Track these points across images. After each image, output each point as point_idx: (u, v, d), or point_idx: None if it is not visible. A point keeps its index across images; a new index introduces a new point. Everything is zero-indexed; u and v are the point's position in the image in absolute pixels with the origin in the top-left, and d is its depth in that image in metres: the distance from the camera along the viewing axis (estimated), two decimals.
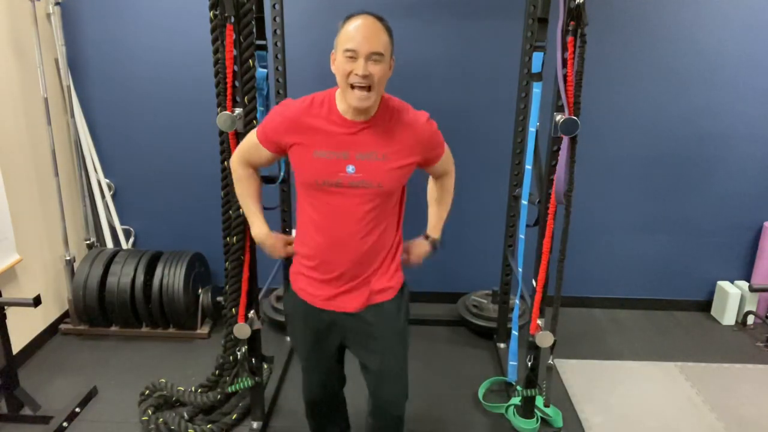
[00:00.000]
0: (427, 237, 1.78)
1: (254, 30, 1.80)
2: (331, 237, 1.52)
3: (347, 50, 1.37)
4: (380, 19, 1.40)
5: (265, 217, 1.72)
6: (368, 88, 1.38)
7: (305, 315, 1.65)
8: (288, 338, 2.94)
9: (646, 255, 3.26)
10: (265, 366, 2.25)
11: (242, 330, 1.98)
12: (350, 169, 1.46)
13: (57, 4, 2.80)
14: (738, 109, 2.97)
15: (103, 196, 3.13)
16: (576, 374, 2.68)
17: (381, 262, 1.58)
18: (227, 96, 1.78)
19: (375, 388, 1.72)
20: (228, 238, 1.95)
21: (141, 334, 2.94)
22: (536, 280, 2.00)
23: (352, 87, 1.38)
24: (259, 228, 1.71)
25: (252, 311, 2.02)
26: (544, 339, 1.95)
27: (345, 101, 1.43)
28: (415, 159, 1.54)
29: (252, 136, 1.60)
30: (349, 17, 1.40)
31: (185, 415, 2.26)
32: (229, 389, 2.15)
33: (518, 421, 2.26)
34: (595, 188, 3.12)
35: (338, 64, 1.41)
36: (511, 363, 2.42)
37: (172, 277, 2.84)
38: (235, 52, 1.74)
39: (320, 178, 1.47)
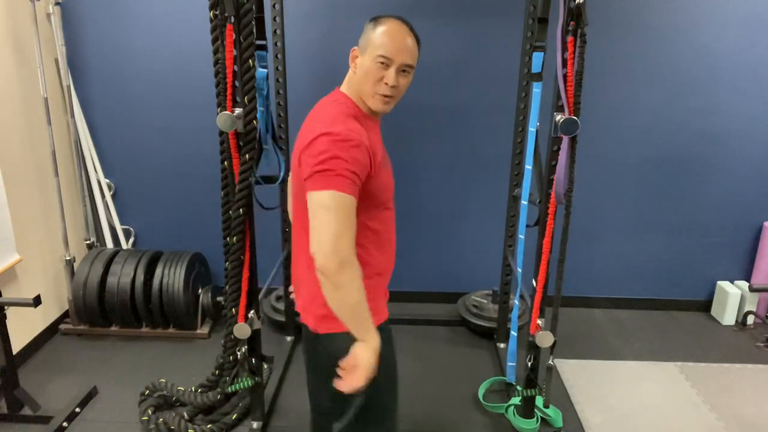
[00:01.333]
0: None
1: (254, 30, 1.80)
2: (393, 240, 1.52)
3: (382, 56, 1.33)
4: (411, 27, 1.39)
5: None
6: (391, 97, 1.38)
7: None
8: (287, 337, 2.95)
9: (646, 255, 3.26)
10: (265, 366, 2.25)
11: (242, 330, 1.98)
12: (389, 165, 1.48)
13: (57, 4, 2.80)
14: (738, 109, 2.97)
15: (103, 196, 3.13)
16: (576, 374, 2.68)
17: None
18: (227, 96, 1.77)
19: None
20: (228, 238, 1.95)
21: (141, 334, 2.94)
22: (536, 280, 2.00)
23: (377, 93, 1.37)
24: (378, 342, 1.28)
25: (252, 311, 2.02)
26: (544, 339, 1.95)
27: (366, 103, 1.40)
28: None
29: (344, 201, 1.21)
30: (381, 19, 1.36)
31: (185, 415, 2.26)
32: (229, 389, 2.15)
33: (518, 421, 2.26)
34: (595, 188, 3.12)
35: (367, 68, 1.35)
36: (509, 364, 2.42)
37: (172, 277, 2.84)
38: (235, 52, 1.74)
39: (393, 185, 1.46)
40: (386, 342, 1.36)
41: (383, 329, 1.40)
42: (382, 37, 1.33)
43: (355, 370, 1.24)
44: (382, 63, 1.33)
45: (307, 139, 1.29)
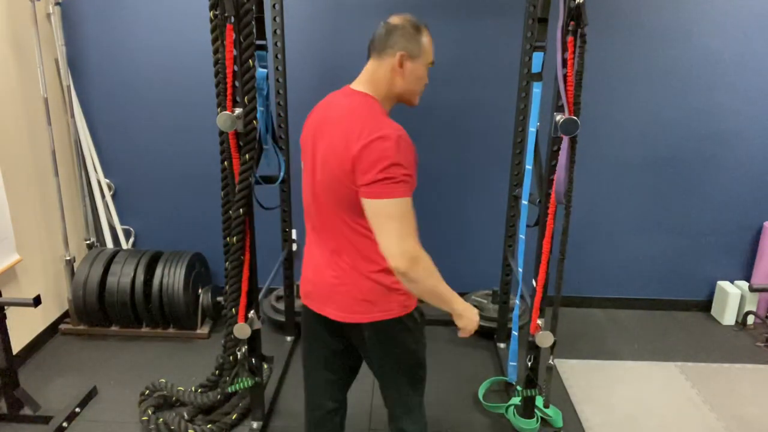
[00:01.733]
0: None
1: (254, 30, 1.80)
2: None
3: (432, 63, 1.50)
4: None
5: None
6: None
7: None
8: (289, 338, 2.96)
9: (646, 255, 3.26)
10: (265, 366, 2.25)
11: (242, 330, 1.98)
12: None
13: (57, 4, 2.80)
14: (738, 109, 2.97)
15: (103, 196, 3.13)
16: (576, 374, 2.68)
17: None
18: (227, 96, 1.77)
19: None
20: (228, 238, 1.95)
21: (141, 334, 2.94)
22: (536, 280, 2.00)
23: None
24: (464, 302, 1.51)
25: (252, 311, 2.02)
26: (544, 339, 1.95)
27: (408, 101, 1.52)
28: None
29: (406, 205, 1.31)
30: (418, 25, 1.46)
31: (185, 415, 2.26)
32: (229, 389, 2.15)
33: (518, 421, 2.26)
34: (595, 188, 3.12)
35: (421, 73, 1.48)
36: (510, 363, 2.42)
37: (172, 277, 2.84)
38: (235, 52, 1.74)
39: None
40: (419, 327, 1.56)
41: (413, 316, 1.54)
42: (430, 46, 1.48)
43: (466, 328, 1.50)
44: (429, 68, 1.50)
45: (359, 143, 1.31)
